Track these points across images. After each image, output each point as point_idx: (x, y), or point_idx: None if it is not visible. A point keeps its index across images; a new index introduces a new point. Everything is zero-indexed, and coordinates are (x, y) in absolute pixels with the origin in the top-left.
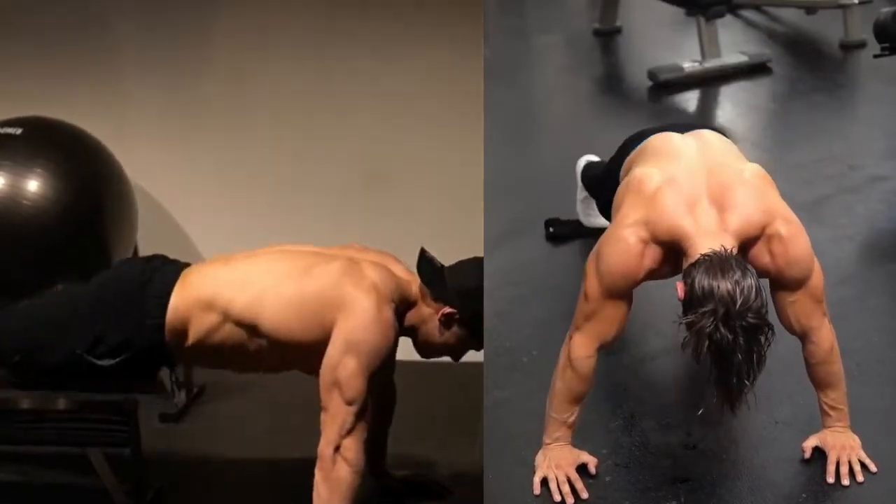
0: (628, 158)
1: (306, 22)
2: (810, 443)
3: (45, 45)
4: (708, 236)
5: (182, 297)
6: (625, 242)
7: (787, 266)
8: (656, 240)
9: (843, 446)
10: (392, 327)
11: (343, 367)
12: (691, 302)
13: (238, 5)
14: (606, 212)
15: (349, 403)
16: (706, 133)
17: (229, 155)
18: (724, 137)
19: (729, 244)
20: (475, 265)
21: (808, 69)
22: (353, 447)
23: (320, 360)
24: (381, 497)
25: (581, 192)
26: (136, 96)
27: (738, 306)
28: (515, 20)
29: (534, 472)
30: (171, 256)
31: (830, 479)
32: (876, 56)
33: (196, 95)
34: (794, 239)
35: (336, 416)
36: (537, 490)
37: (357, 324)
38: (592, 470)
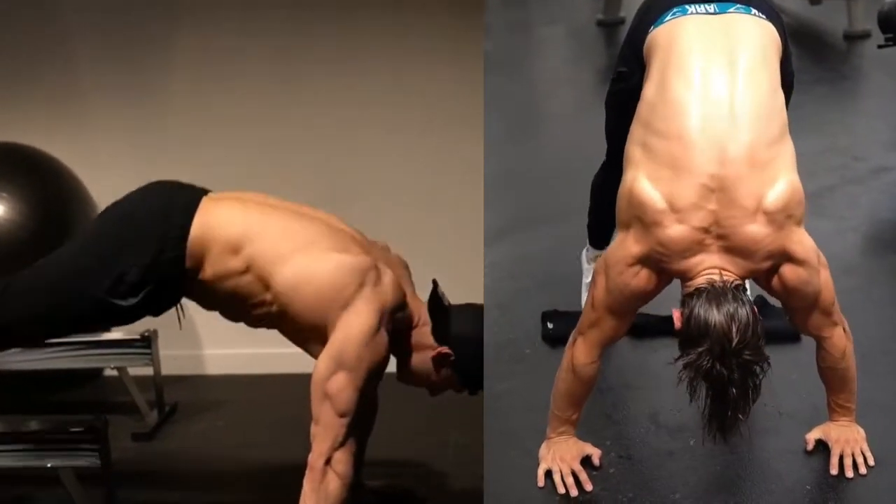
0: (646, 44)
1: (274, 33)
2: (813, 435)
3: (7, 70)
4: (710, 270)
5: (204, 230)
6: (635, 276)
7: (786, 297)
8: (662, 270)
9: (848, 440)
10: (385, 348)
11: (335, 380)
12: (687, 337)
13: (201, 20)
14: (627, 125)
15: (341, 416)
16: (747, 48)
17: (196, 173)
18: (767, 47)
19: (729, 275)
20: (478, 314)
21: (812, 60)
22: (343, 460)
23: (305, 336)
24: None
25: (587, 277)
26: (99, 119)
27: (734, 344)
28: (518, 12)
29: (538, 464)
30: None
31: (834, 472)
32: (880, 47)
33: (160, 115)
34: (792, 279)
35: (329, 429)
36: (541, 482)
37: (354, 338)
38: (596, 462)
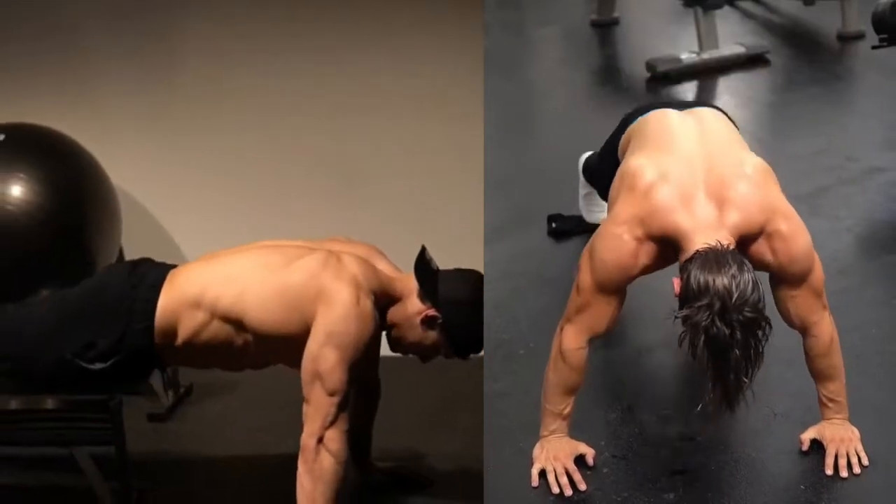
0: (625, 135)
1: (287, 19)
2: (808, 435)
3: (25, 53)
4: (704, 231)
5: (170, 298)
6: (618, 240)
7: (788, 263)
8: (651, 236)
9: (842, 439)
10: (371, 318)
11: (323, 359)
12: (687, 297)
13: (211, 4)
14: (606, 194)
15: (331, 395)
16: (706, 114)
17: (211, 156)
18: (725, 119)
19: (726, 239)
20: (470, 279)
21: (806, 60)
22: (336, 438)
23: (297, 349)
24: (364, 489)
25: (583, 189)
26: (116, 100)
27: (734, 300)
28: (513, 12)
29: (531, 464)
30: (155, 258)
31: (829, 472)
32: (874, 47)
33: (176, 97)
34: (794, 236)
35: (319, 408)
36: (535, 482)
37: (336, 315)
38: (590, 461)
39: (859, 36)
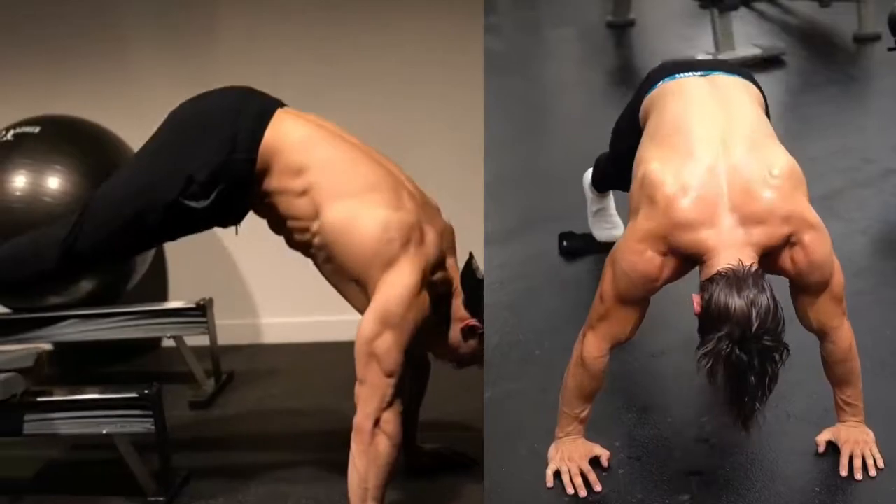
0: (646, 101)
1: (323, 11)
2: (824, 437)
3: (59, 45)
4: (727, 248)
5: (276, 143)
6: (641, 255)
7: (808, 272)
8: (673, 252)
9: (857, 441)
10: (427, 308)
11: (381, 340)
12: (706, 320)
13: None
14: (625, 177)
15: (389, 376)
16: (733, 92)
17: None
18: (752, 94)
19: (749, 256)
20: None
21: (822, 62)
22: (392, 420)
23: (340, 279)
24: (410, 471)
25: (592, 205)
26: (150, 89)
27: (754, 329)
28: (528, 12)
29: (546, 465)
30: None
31: (843, 473)
32: (890, 49)
33: (210, 84)
34: (816, 247)
35: (376, 389)
36: (550, 482)
37: (398, 298)
38: (605, 463)
39: (875, 37)
